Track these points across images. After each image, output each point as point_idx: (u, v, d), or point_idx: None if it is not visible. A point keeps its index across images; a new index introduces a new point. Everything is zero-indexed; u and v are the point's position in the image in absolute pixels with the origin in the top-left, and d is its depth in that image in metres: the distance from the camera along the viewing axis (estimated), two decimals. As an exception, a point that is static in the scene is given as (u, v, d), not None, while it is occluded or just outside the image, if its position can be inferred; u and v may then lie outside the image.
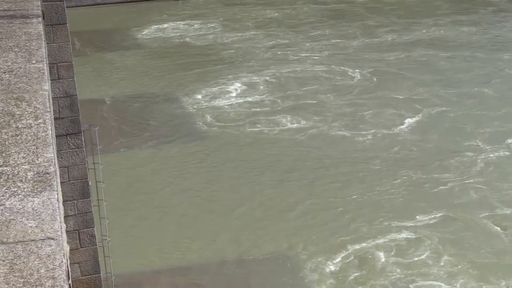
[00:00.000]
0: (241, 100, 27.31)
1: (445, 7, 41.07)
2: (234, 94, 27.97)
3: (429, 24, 37.50)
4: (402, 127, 24.43)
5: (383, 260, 16.83)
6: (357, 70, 30.35)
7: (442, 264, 16.66)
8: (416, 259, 16.88)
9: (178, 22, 39.57)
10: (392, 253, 17.11)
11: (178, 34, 37.34)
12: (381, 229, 18.12)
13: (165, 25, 38.92)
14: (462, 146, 22.70)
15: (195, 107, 26.77)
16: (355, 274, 16.41)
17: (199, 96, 27.76)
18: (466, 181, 20.38)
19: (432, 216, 18.60)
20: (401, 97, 27.24)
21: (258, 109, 26.31)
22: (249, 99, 27.39)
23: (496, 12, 40.03)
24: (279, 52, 33.43)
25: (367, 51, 33.15)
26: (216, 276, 16.52)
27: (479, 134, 23.47)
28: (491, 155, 21.95)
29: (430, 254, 17.05)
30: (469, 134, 23.55)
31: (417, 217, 18.56)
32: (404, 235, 17.81)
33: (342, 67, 30.88)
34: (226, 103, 27.03)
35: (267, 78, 29.76)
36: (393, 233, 17.92)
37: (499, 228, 18.07)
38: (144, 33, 37.62)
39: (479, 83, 28.59)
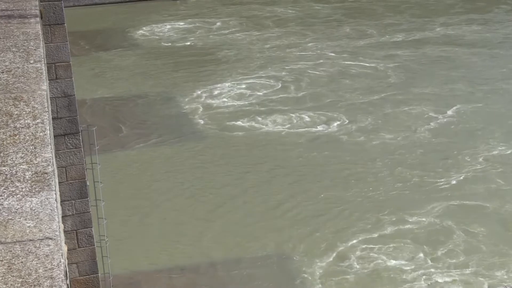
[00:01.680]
0: (242, 101, 27.29)
1: (459, 5, 41.38)
2: (233, 95, 27.95)
3: (445, 23, 37.78)
4: (432, 121, 24.65)
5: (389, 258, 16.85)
6: (380, 67, 30.61)
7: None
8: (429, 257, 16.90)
9: (176, 22, 39.56)
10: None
11: (176, 34, 37.33)
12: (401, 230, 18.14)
13: (163, 25, 38.91)
14: (495, 144, 22.78)
15: (192, 107, 26.76)
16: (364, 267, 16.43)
17: (197, 97, 27.75)
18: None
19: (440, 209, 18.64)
20: (430, 92, 27.47)
21: (263, 108, 26.29)
22: (253, 99, 27.37)
23: (510, 11, 40.28)
24: (277, 52, 33.43)
25: (385, 49, 33.39)
26: (213, 276, 16.52)
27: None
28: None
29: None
30: (500, 131, 23.65)
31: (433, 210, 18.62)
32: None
33: (363, 64, 31.12)
34: (224, 104, 27.01)
35: (268, 77, 29.76)
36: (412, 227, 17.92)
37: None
38: (142, 33, 37.60)
39: (504, 80, 28.78)
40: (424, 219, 18.48)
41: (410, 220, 18.45)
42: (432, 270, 16.47)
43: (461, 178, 20.58)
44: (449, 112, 25.46)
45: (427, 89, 27.85)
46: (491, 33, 35.95)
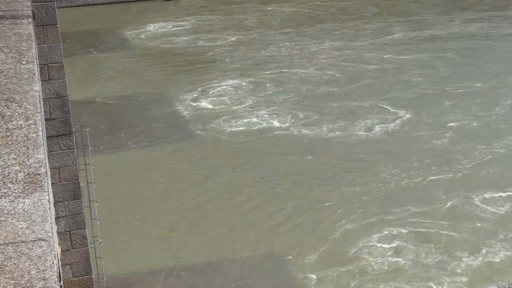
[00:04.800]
0: (236, 101, 27.28)
1: (484, 2, 41.92)
2: (227, 94, 27.93)
3: (473, 19, 38.37)
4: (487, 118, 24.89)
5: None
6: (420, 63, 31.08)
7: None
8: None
9: (168, 23, 39.51)
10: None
11: (168, 35, 37.29)
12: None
13: (155, 26, 38.86)
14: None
15: (186, 108, 26.73)
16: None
17: (189, 97, 27.73)
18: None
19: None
20: (482, 86, 27.89)
21: (262, 109, 26.27)
22: (251, 100, 27.37)
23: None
24: (266, 53, 33.43)
25: (416, 45, 33.81)
26: (207, 277, 16.52)
27: None
28: None
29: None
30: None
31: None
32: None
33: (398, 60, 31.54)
34: (217, 104, 27.00)
35: (270, 77, 29.76)
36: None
37: None
38: (134, 34, 37.53)
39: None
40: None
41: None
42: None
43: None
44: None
45: (477, 83, 28.19)
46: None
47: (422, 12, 40.24)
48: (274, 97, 27.44)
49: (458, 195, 19.60)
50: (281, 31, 37.06)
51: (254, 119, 25.28)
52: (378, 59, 31.75)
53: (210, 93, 28.17)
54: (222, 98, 27.60)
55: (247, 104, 26.85)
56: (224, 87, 28.75)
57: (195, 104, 27.09)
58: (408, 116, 25.18)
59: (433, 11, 40.29)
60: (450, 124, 24.32)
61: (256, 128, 24.66)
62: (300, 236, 17.94)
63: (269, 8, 41.95)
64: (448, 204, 19.17)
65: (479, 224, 18.25)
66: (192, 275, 16.58)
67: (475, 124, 24.28)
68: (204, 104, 27.04)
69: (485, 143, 22.74)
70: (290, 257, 17.08)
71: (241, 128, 24.67)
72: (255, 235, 18.06)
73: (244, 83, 29.10)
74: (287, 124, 24.82)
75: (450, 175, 20.73)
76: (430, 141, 23.11)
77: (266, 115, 25.60)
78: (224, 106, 26.73)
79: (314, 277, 16.32)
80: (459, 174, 20.79)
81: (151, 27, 38.62)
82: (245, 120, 25.25)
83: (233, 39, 35.89)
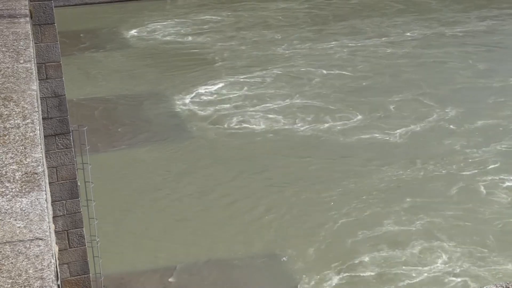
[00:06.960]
0: (232, 101, 27.28)
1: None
2: (223, 94, 27.91)
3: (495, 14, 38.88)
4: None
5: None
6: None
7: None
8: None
9: (166, 22, 39.49)
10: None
11: (165, 33, 37.26)
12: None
13: (153, 25, 38.82)
14: None
15: (182, 107, 26.72)
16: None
17: (187, 97, 27.71)
18: None
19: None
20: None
21: (252, 106, 26.26)
22: (249, 98, 27.37)
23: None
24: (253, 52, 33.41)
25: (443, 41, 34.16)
26: (204, 276, 16.52)
27: None
28: None
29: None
30: None
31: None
32: None
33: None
34: (214, 103, 26.98)
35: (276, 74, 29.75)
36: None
37: None
38: (131, 32, 37.50)
39: None
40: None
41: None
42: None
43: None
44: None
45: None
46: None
47: (443, 8, 40.45)
48: (289, 94, 27.47)
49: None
50: (285, 30, 37.05)
51: (261, 118, 25.29)
52: (398, 54, 31.94)
53: (207, 92, 28.15)
54: (220, 96, 27.57)
55: (243, 103, 26.84)
56: (225, 88, 28.72)
57: (193, 102, 27.06)
58: (444, 111, 25.22)
59: (451, 9, 40.46)
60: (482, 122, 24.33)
61: (265, 128, 24.66)
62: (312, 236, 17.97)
63: (282, 6, 41.79)
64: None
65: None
66: (189, 274, 16.58)
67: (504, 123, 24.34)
68: (201, 103, 27.01)
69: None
70: (289, 257, 17.10)
71: (241, 130, 24.66)
72: (253, 236, 18.05)
73: (240, 83, 29.10)
74: (293, 123, 24.83)
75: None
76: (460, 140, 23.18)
77: (290, 113, 25.58)
78: (221, 105, 26.71)
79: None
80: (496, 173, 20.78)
81: (148, 26, 38.58)
82: (248, 121, 25.25)
83: (227, 38, 35.86)
